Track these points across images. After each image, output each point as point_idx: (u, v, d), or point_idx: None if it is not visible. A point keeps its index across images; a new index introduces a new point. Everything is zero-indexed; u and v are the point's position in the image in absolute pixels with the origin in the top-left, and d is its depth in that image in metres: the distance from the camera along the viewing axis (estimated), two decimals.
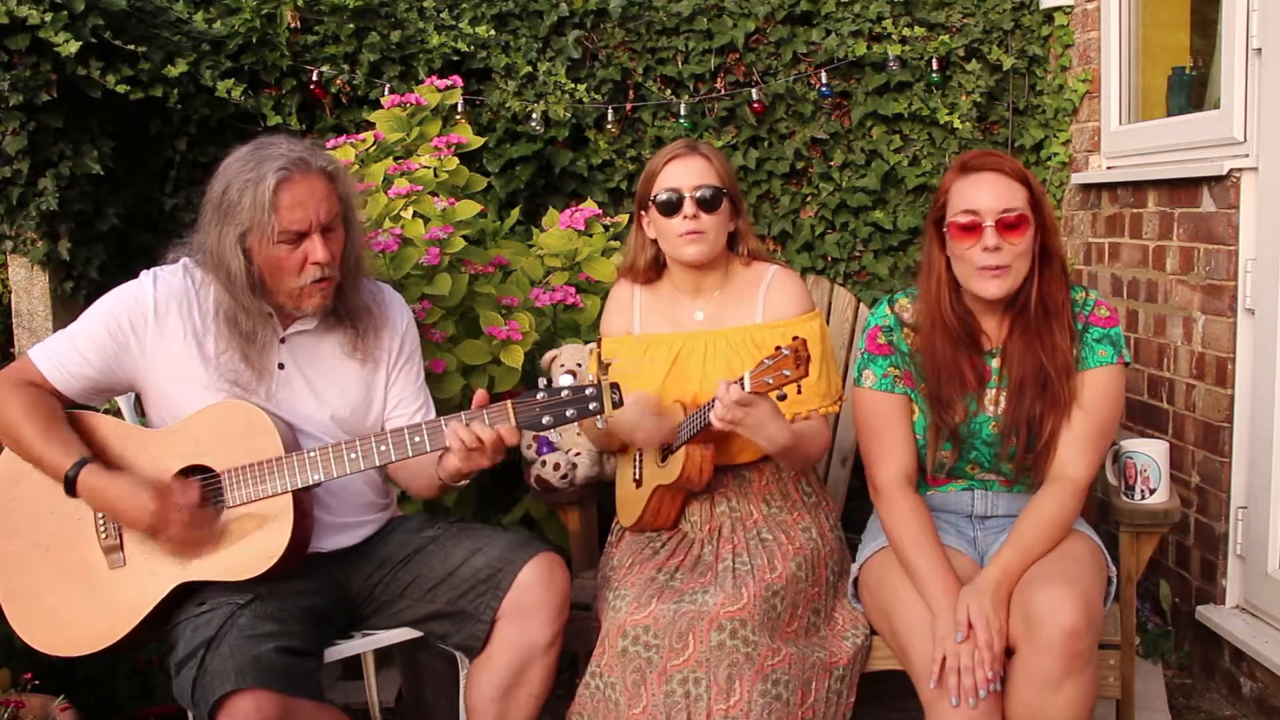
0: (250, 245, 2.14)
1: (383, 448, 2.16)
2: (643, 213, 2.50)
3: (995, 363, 2.31)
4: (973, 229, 2.20)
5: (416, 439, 2.16)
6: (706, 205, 2.41)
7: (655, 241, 2.50)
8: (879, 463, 2.32)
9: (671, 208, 2.41)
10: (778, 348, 2.10)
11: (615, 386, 2.12)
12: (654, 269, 2.55)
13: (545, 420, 2.11)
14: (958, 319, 2.29)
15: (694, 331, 2.48)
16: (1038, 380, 2.24)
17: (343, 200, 2.22)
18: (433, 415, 2.41)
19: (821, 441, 2.43)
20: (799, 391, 2.14)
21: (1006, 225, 2.19)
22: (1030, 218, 2.21)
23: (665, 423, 2.35)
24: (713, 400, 2.22)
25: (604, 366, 2.35)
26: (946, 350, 2.29)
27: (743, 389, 2.12)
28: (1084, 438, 2.24)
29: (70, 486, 2.12)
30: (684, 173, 2.42)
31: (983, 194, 2.20)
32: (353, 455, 2.16)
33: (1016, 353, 2.27)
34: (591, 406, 2.10)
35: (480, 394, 2.17)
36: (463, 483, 2.26)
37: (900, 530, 2.24)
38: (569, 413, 2.11)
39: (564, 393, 2.11)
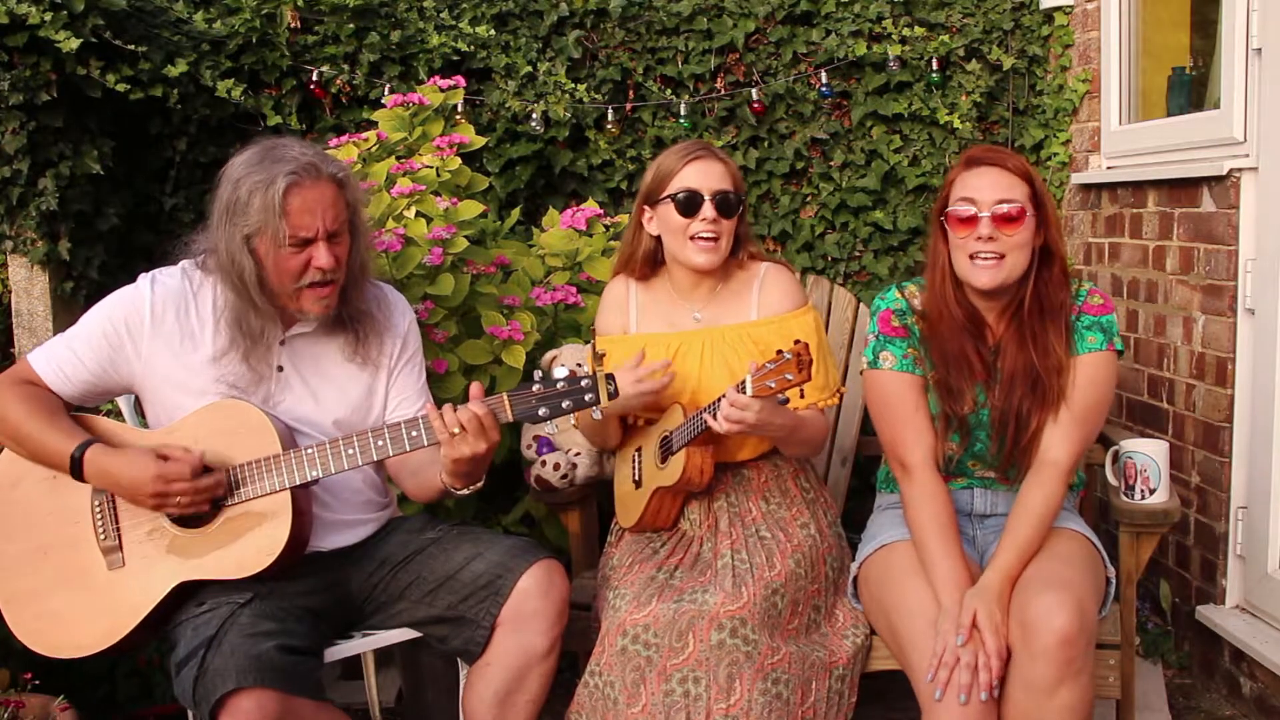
0: (256, 246, 2.14)
1: (380, 443, 2.17)
2: (647, 208, 2.49)
3: (994, 360, 2.32)
4: (970, 220, 2.22)
5: (413, 433, 2.16)
6: (725, 209, 2.40)
7: (656, 238, 2.50)
8: (908, 444, 2.30)
9: (691, 207, 2.40)
10: (779, 351, 2.10)
11: (610, 378, 2.11)
12: (650, 265, 2.54)
13: (541, 411, 2.11)
14: (964, 309, 2.30)
15: (691, 331, 2.48)
16: (1028, 377, 2.26)
17: (350, 207, 2.22)
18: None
19: (821, 428, 2.43)
20: (802, 396, 2.14)
21: (1003, 217, 2.20)
22: (1030, 212, 2.22)
23: (651, 384, 2.33)
24: (713, 404, 2.22)
25: (599, 358, 2.34)
26: (954, 341, 2.29)
27: (745, 394, 2.12)
28: (1067, 422, 2.26)
29: (77, 468, 2.13)
30: (704, 174, 2.41)
31: (982, 185, 2.23)
32: (350, 451, 2.16)
33: (1010, 348, 2.28)
34: (588, 398, 2.10)
35: (475, 387, 2.16)
36: (464, 491, 2.26)
37: (926, 513, 2.23)
38: (565, 404, 2.10)
39: (560, 384, 2.11)
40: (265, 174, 2.11)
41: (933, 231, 2.35)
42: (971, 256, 2.23)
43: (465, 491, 2.26)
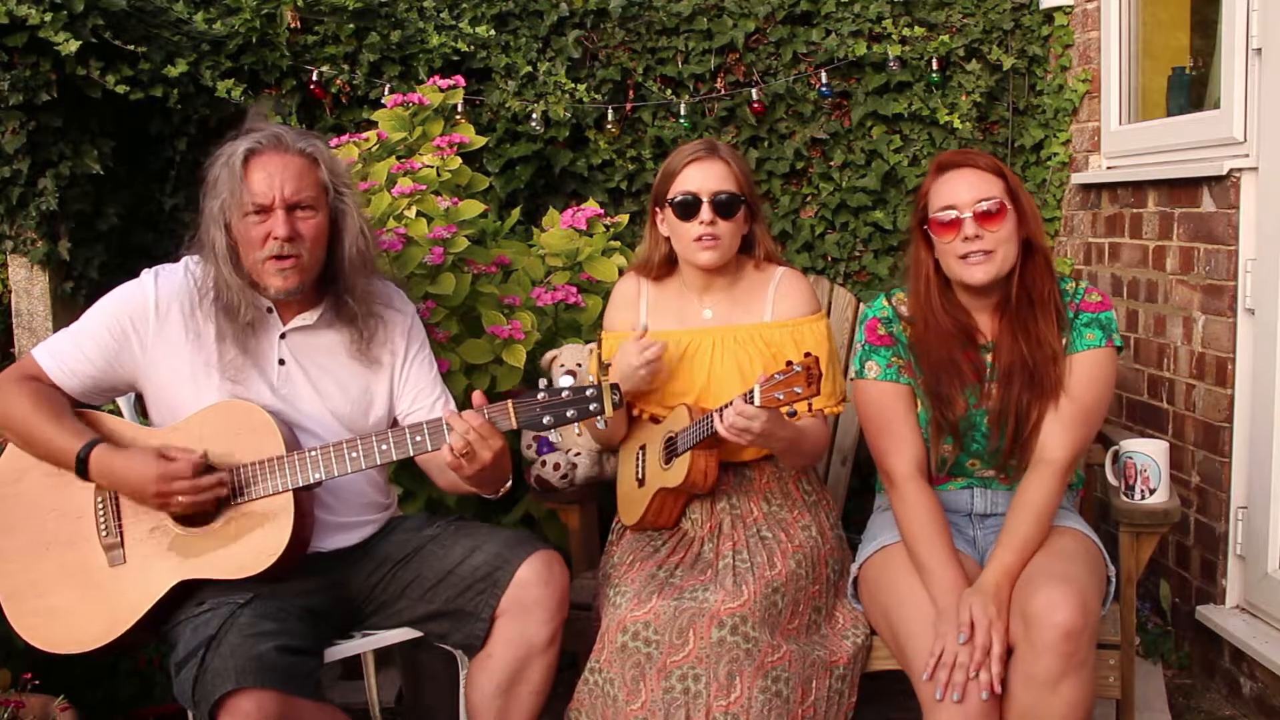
0: (227, 219, 2.17)
1: (384, 446, 2.17)
2: (657, 209, 2.50)
3: (989, 357, 2.33)
4: (953, 223, 2.25)
5: (417, 438, 2.16)
6: (723, 211, 2.40)
7: (668, 239, 2.50)
8: (891, 454, 2.32)
9: (688, 211, 2.40)
10: (789, 363, 2.10)
11: (615, 387, 2.12)
12: (666, 266, 2.55)
13: (546, 420, 2.12)
14: (950, 317, 2.31)
15: (702, 329, 2.48)
16: (1024, 369, 2.27)
17: (326, 188, 2.23)
18: (451, 406, 2.41)
19: (822, 439, 2.44)
20: (810, 410, 2.14)
21: (984, 214, 2.23)
22: (1008, 206, 2.25)
23: (656, 363, 2.36)
24: (721, 408, 2.22)
25: (604, 367, 2.35)
26: (942, 349, 2.31)
27: (752, 403, 2.12)
28: (1065, 419, 2.26)
29: (83, 467, 2.14)
30: (702, 176, 2.41)
31: (959, 189, 2.26)
32: (354, 454, 2.17)
33: (1005, 343, 2.30)
34: (592, 407, 2.11)
35: (477, 395, 2.17)
36: (495, 495, 2.28)
37: (913, 521, 2.24)
38: (569, 413, 2.11)
39: (564, 393, 2.11)
40: (233, 146, 2.19)
41: (913, 241, 2.37)
42: (962, 257, 2.25)
43: (497, 495, 2.29)
